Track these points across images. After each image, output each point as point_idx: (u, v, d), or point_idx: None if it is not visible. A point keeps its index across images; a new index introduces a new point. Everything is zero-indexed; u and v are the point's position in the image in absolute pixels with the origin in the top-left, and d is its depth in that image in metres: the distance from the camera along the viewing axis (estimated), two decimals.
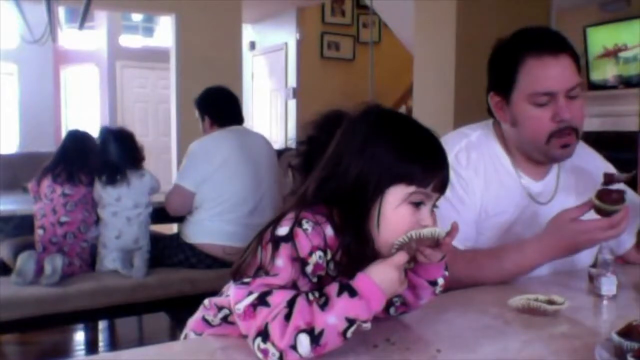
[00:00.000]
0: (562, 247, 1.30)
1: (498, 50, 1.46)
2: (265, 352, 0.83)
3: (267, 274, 0.87)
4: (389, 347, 0.93)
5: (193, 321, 1.06)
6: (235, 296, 0.88)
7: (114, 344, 3.36)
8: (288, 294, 0.85)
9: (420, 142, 0.94)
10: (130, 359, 0.95)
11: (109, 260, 2.72)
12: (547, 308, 1.10)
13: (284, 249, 0.88)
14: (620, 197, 1.26)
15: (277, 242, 0.89)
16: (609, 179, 1.29)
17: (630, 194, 1.52)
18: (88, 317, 2.91)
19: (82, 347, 3.33)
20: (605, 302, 1.21)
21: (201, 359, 0.93)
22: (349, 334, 0.84)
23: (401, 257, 0.90)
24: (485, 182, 1.46)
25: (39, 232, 2.66)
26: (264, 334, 0.83)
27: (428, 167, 0.93)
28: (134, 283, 2.65)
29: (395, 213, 0.92)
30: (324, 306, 0.84)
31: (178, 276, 2.78)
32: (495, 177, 1.47)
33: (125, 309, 2.74)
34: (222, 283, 1.07)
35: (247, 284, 0.88)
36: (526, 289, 1.19)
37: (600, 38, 4.31)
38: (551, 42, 1.39)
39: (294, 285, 0.88)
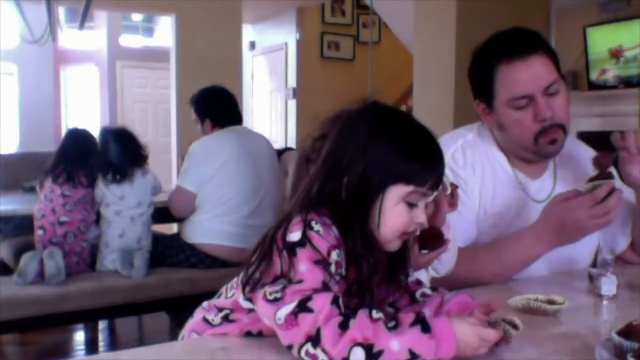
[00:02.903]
0: (553, 228, 1.31)
1: (473, 60, 1.49)
2: (314, 358, 0.81)
3: (290, 281, 0.86)
4: None
5: (193, 323, 1.06)
6: (266, 311, 0.87)
7: (114, 344, 3.36)
8: (328, 296, 0.83)
9: (419, 144, 0.95)
10: (130, 359, 0.95)
11: (109, 260, 2.72)
12: (547, 308, 1.10)
13: (303, 254, 0.87)
14: (600, 175, 1.26)
15: (292, 248, 0.87)
16: (598, 160, 1.31)
17: (626, 194, 1.53)
18: (88, 317, 2.91)
19: (82, 347, 3.33)
20: (605, 302, 1.21)
21: (201, 359, 0.93)
22: None
23: (491, 334, 0.86)
24: (482, 181, 1.47)
25: (38, 232, 2.65)
26: (314, 339, 0.81)
27: (426, 168, 0.94)
28: (134, 283, 2.65)
29: (394, 211, 0.93)
30: (391, 329, 0.81)
31: (178, 276, 2.78)
32: (492, 175, 1.49)
33: (125, 309, 2.73)
34: (222, 283, 1.06)
35: (278, 299, 0.85)
36: (526, 289, 1.19)
37: (600, 38, 4.31)
38: (519, 46, 1.40)
39: (325, 287, 0.85)
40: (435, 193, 0.98)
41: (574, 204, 1.28)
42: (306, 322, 0.82)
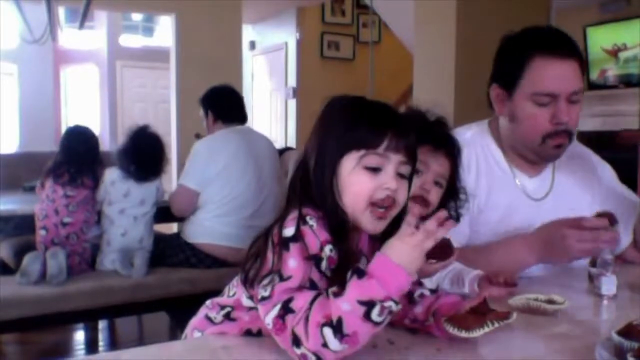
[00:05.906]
0: (542, 240, 1.32)
1: (507, 44, 1.46)
2: (304, 357, 0.82)
3: (281, 277, 0.86)
4: (388, 347, 0.94)
5: (196, 320, 1.07)
6: (260, 313, 0.88)
7: (114, 344, 3.36)
8: (309, 295, 0.84)
9: (362, 110, 0.96)
10: (130, 358, 0.95)
11: (109, 260, 2.71)
12: (547, 308, 1.10)
13: (295, 249, 0.87)
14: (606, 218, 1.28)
15: (286, 243, 0.88)
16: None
17: (626, 192, 1.53)
18: (88, 317, 2.91)
19: (82, 347, 3.33)
20: (605, 302, 1.21)
21: (202, 359, 0.93)
22: (374, 317, 0.81)
23: (417, 238, 0.85)
24: (477, 178, 1.48)
25: (41, 232, 2.64)
26: (295, 341, 0.82)
27: (373, 128, 0.93)
28: (134, 283, 2.65)
29: (351, 177, 0.93)
30: (338, 295, 0.83)
31: (178, 276, 2.78)
32: (488, 173, 1.49)
33: (125, 309, 2.73)
34: (222, 283, 1.07)
35: (266, 298, 0.86)
36: (526, 289, 1.19)
37: (600, 38, 4.32)
38: (561, 45, 1.39)
39: (312, 284, 0.86)
40: (401, 157, 0.94)
41: (568, 223, 1.29)
42: (289, 323, 0.83)
